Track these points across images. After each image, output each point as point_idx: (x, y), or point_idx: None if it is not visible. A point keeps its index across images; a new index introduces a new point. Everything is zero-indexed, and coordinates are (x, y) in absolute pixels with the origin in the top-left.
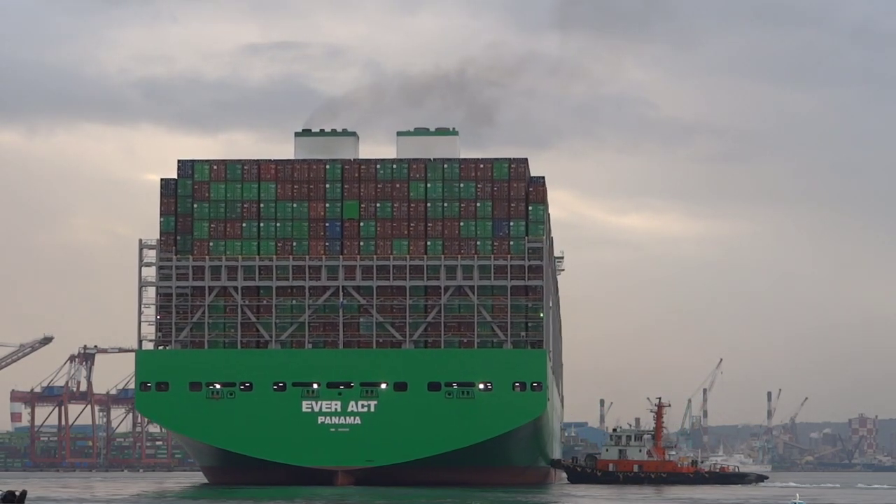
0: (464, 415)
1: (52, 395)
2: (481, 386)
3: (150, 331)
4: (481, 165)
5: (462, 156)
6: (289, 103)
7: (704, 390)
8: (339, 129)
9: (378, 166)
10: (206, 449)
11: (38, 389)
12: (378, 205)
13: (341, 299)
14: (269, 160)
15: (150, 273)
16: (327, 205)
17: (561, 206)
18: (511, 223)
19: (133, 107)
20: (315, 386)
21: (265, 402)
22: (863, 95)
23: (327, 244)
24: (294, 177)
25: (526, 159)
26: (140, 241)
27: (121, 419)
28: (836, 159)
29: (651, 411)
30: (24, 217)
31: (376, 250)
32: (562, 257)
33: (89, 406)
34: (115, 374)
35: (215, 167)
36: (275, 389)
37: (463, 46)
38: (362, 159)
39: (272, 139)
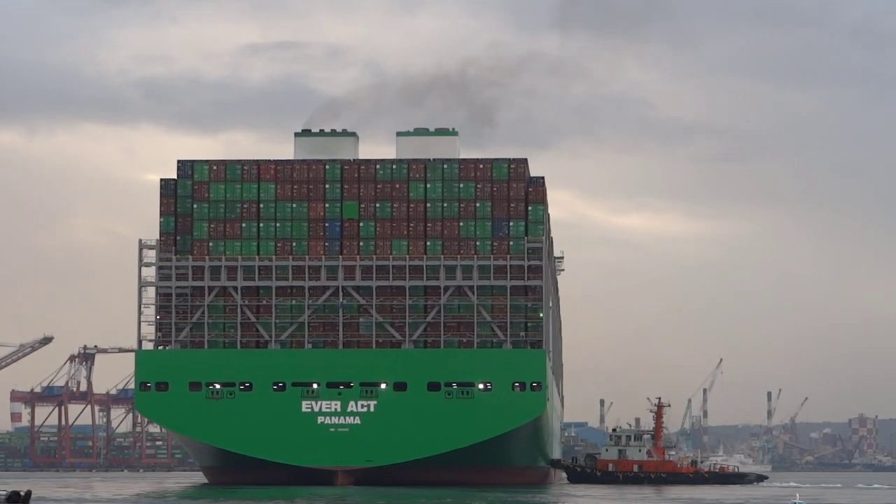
0: (463, 415)
1: (52, 395)
2: (481, 386)
3: (149, 331)
4: (481, 166)
5: (462, 156)
6: (289, 103)
7: (704, 390)
8: (338, 130)
9: (378, 166)
10: (205, 449)
11: (38, 389)
12: (378, 205)
13: (341, 299)
14: (269, 160)
15: (150, 273)
16: (327, 205)
17: (561, 206)
18: (510, 223)
19: (133, 107)
20: (315, 386)
21: (265, 402)
22: (863, 95)
23: (327, 244)
24: (294, 177)
25: (525, 159)
26: (140, 241)
27: (121, 419)
28: (836, 159)
29: (651, 411)
30: (24, 217)
31: (376, 250)
32: (562, 257)
33: (89, 406)
34: (115, 374)
35: (215, 167)
36: (274, 389)
37: (463, 46)
38: (362, 159)
39: (272, 139)
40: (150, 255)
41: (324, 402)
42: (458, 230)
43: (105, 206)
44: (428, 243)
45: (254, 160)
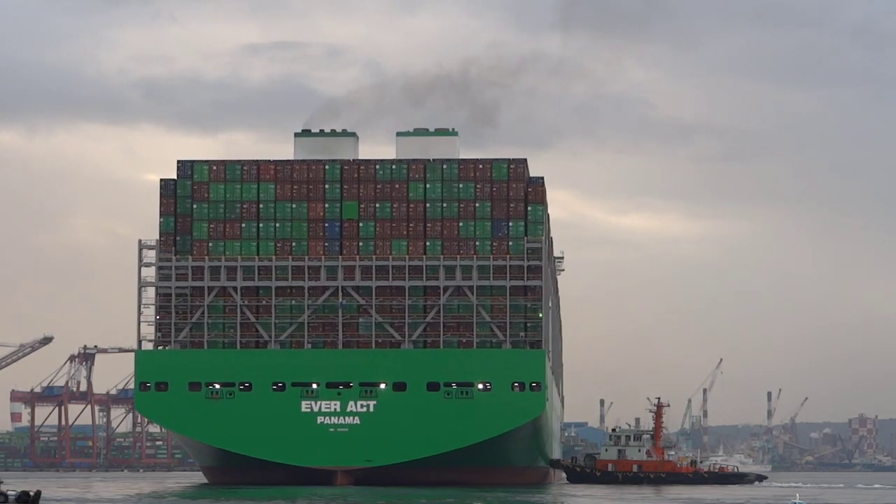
0: (463, 415)
1: (52, 395)
2: (480, 386)
3: (149, 331)
4: (480, 166)
5: (461, 156)
6: (289, 103)
7: (704, 390)
8: (338, 130)
9: (377, 167)
10: (205, 449)
11: (38, 389)
12: (377, 205)
13: (340, 299)
14: (269, 160)
15: (150, 273)
16: (326, 205)
17: (561, 206)
18: (510, 223)
19: (133, 107)
20: (314, 386)
21: (264, 403)
22: (863, 95)
23: (326, 244)
24: (293, 177)
25: (525, 160)
26: (139, 241)
27: (121, 419)
28: (836, 159)
29: (650, 411)
30: (24, 217)
31: (375, 250)
32: (562, 257)
33: (89, 406)
34: (115, 374)
35: (214, 167)
36: (274, 389)
37: (463, 46)
38: (361, 160)
39: (272, 139)
40: (150, 256)
41: (323, 402)
42: (457, 230)
43: (105, 206)
44: (427, 243)
45: (253, 160)
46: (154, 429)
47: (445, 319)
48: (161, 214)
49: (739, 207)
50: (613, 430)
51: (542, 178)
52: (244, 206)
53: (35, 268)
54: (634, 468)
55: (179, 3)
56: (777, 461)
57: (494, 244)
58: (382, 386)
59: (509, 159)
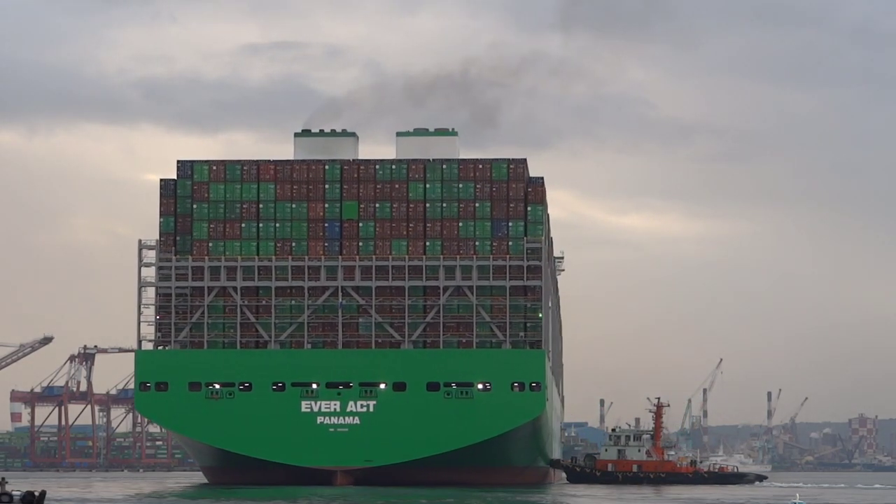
0: (462, 415)
1: (52, 395)
2: (480, 386)
3: (149, 331)
4: (480, 166)
5: (461, 156)
6: (289, 103)
7: (704, 390)
8: (338, 130)
9: (377, 167)
10: (205, 449)
11: (38, 389)
12: (377, 205)
13: (340, 300)
14: (269, 161)
15: (150, 273)
16: (326, 205)
17: (561, 206)
18: (510, 224)
19: (133, 107)
20: (314, 386)
21: (264, 403)
22: (863, 95)
23: (326, 244)
24: (293, 177)
25: (525, 160)
26: (139, 241)
27: (121, 419)
28: (836, 159)
29: (650, 411)
30: (24, 217)
31: (375, 251)
32: (562, 257)
33: (89, 406)
34: (115, 374)
35: (214, 168)
36: (274, 389)
37: (463, 47)
38: (361, 160)
39: (272, 139)
40: (150, 256)
41: (323, 403)
42: (457, 230)
43: (105, 206)
44: (427, 243)
45: (253, 160)
46: (154, 429)
47: (445, 319)
48: (161, 214)
49: (739, 207)
50: (613, 430)
51: (542, 178)
52: (244, 206)
53: (35, 268)
54: (634, 468)
55: (179, 3)
56: (777, 461)
57: (494, 244)
58: (382, 386)
59: (509, 159)
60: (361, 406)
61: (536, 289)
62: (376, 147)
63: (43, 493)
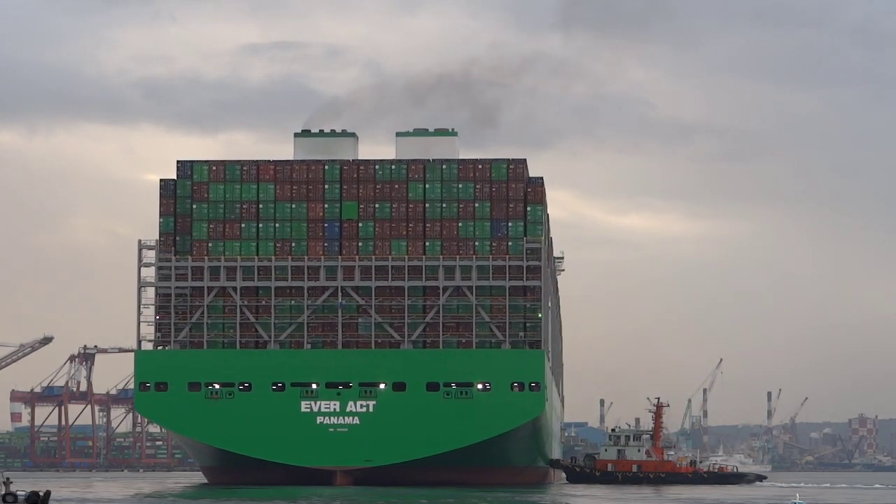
0: (462, 415)
1: (52, 395)
2: (480, 386)
3: (149, 331)
4: (480, 166)
5: (461, 156)
6: (288, 103)
7: (704, 390)
8: (338, 130)
9: (377, 167)
10: (205, 449)
11: (38, 389)
12: (377, 205)
13: (340, 300)
14: (268, 161)
15: (150, 273)
16: (326, 205)
17: (561, 206)
18: (509, 224)
19: (133, 107)
20: (314, 386)
21: (264, 403)
22: (863, 95)
23: (326, 245)
24: (293, 177)
25: (524, 160)
26: (139, 241)
27: (121, 419)
28: (836, 159)
29: (650, 411)
30: (24, 217)
31: (375, 251)
32: (562, 257)
33: (89, 406)
34: (115, 374)
35: (214, 168)
36: (274, 389)
37: (463, 47)
38: (361, 160)
39: (272, 139)
40: (150, 256)
41: (323, 403)
42: (457, 230)
43: (105, 206)
44: (427, 244)
45: (253, 160)
46: (154, 429)
47: (445, 319)
48: (161, 214)
49: (739, 207)
50: (613, 430)
51: (542, 178)
52: (244, 206)
53: (35, 268)
54: (634, 468)
55: (179, 3)
56: (777, 461)
57: (494, 244)
58: (382, 386)
59: (509, 159)
60: (361, 406)
61: (536, 289)
62: (376, 147)
63: (48, 494)
